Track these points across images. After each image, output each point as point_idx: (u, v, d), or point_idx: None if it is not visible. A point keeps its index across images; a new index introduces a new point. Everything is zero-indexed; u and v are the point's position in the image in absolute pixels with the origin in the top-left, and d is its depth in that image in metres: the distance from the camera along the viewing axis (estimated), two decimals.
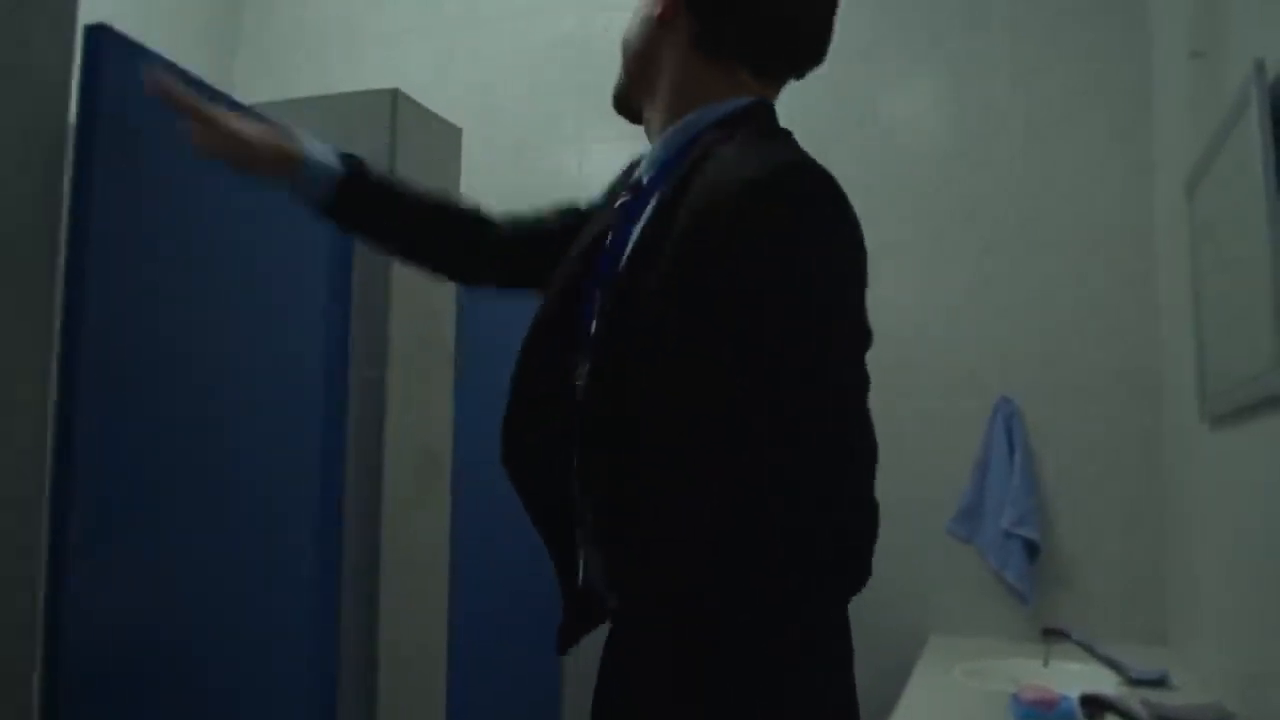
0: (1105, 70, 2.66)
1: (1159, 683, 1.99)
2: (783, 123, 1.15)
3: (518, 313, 2.78)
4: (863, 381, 0.96)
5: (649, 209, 1.05)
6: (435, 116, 2.08)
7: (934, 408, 2.68)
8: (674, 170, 1.05)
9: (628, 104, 1.23)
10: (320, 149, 1.29)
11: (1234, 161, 1.64)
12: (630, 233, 1.07)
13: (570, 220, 1.31)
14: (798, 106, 2.90)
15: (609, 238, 1.12)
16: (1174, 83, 2.31)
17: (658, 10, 1.12)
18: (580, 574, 1.20)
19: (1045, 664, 2.21)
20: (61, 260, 1.27)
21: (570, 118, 3.13)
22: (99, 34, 1.34)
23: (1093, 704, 1.72)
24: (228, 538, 1.61)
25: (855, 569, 0.93)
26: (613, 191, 1.25)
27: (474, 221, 1.37)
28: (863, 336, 0.98)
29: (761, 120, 1.11)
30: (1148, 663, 2.06)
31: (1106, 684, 1.99)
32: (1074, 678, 2.04)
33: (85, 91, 1.32)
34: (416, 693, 1.98)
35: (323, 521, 1.84)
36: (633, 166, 1.22)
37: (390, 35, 3.34)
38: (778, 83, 1.18)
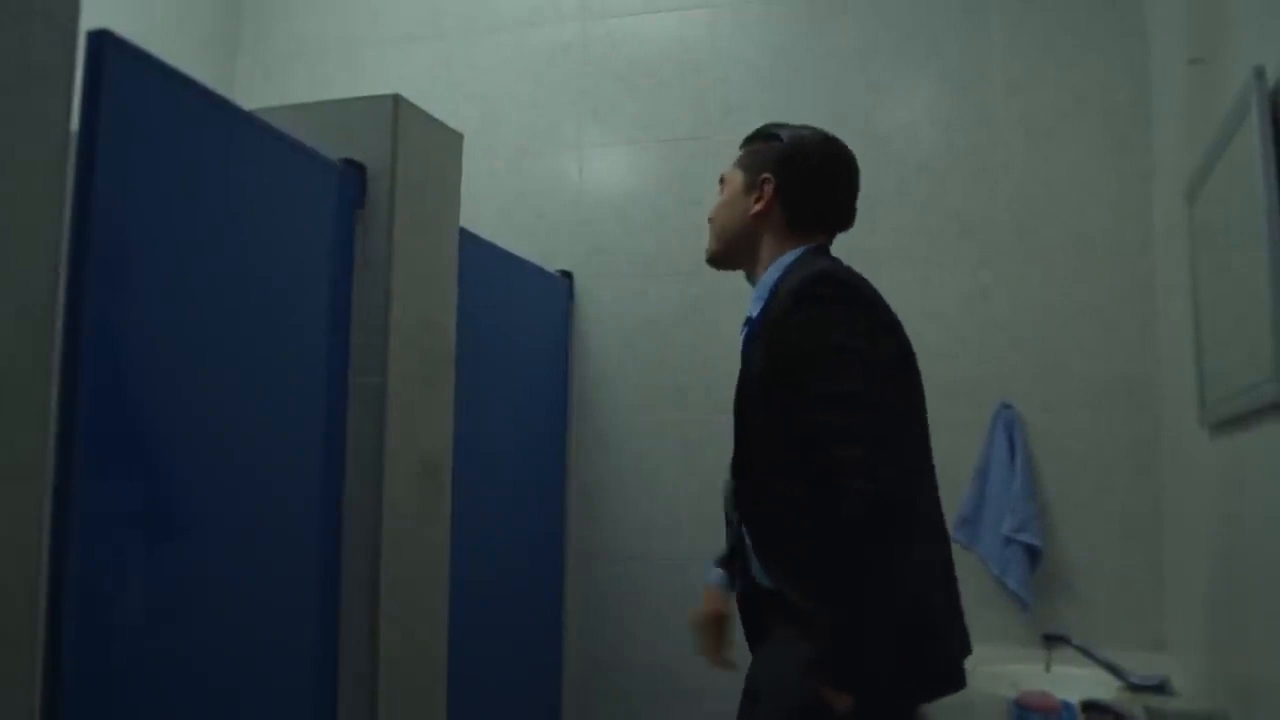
0: (1102, 78, 2.67)
1: (1159, 689, 1.99)
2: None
3: (515, 321, 2.80)
4: (896, 402, 1.47)
5: (751, 331, 1.60)
6: (437, 121, 2.09)
7: (934, 414, 2.66)
8: (768, 303, 1.58)
9: (722, 265, 1.73)
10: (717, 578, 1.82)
11: (1234, 169, 1.64)
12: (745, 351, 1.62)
13: None
14: (796, 114, 2.91)
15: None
16: (1173, 90, 2.32)
17: (758, 207, 1.65)
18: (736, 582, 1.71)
19: (1047, 669, 2.21)
20: (63, 265, 1.27)
21: (570, 125, 3.13)
22: (101, 39, 1.34)
23: (1094, 710, 1.72)
24: (228, 543, 1.61)
25: (886, 520, 1.37)
26: None
27: None
28: (869, 366, 1.43)
29: (814, 254, 1.63)
30: (1148, 669, 2.06)
31: (1107, 690, 1.99)
32: (1075, 683, 2.04)
33: (88, 97, 1.32)
34: (417, 699, 1.98)
35: (323, 527, 1.84)
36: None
37: (390, 43, 3.35)
38: (831, 236, 1.70)
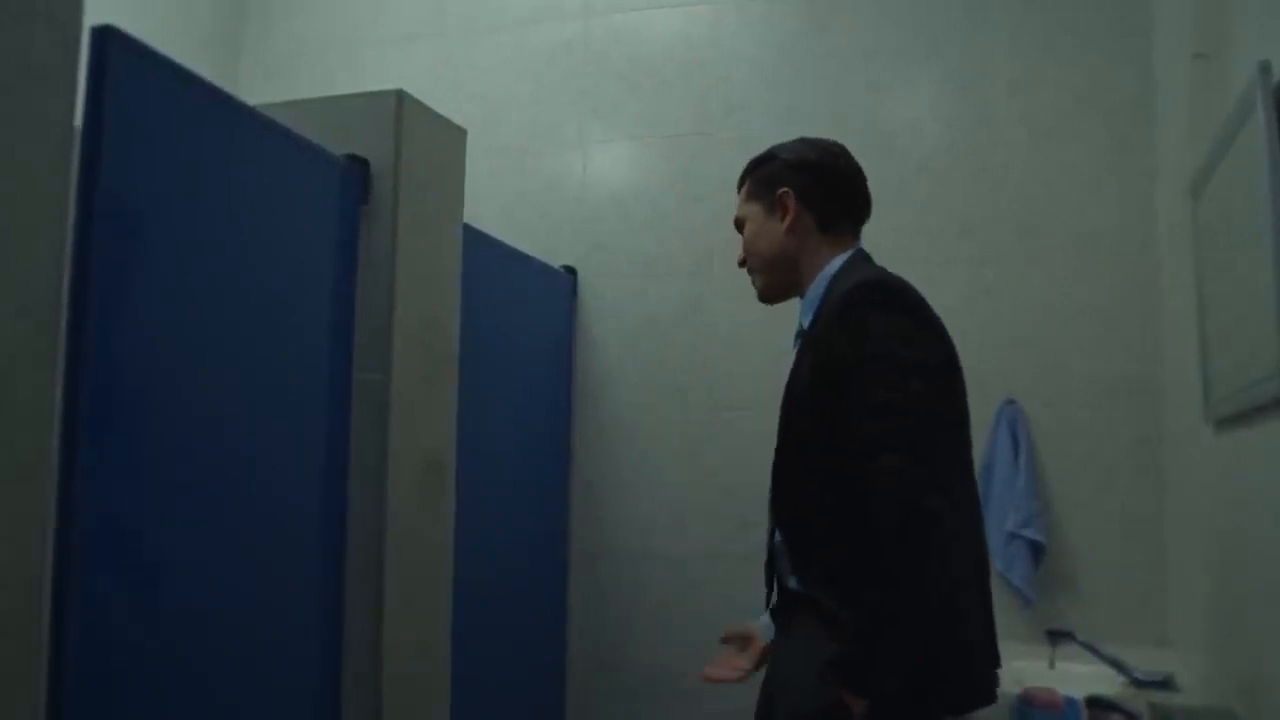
0: (1105, 75, 2.67)
1: (1163, 685, 1.99)
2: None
3: (519, 318, 2.79)
4: (940, 411, 1.46)
5: (803, 339, 1.60)
6: (440, 118, 2.08)
7: None
8: (819, 312, 1.58)
9: (776, 296, 1.72)
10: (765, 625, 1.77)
11: (1238, 164, 1.64)
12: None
13: None
14: (799, 112, 2.91)
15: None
16: (1176, 87, 2.31)
17: (788, 221, 1.65)
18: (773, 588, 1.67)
19: (1051, 666, 2.20)
20: (67, 262, 1.27)
21: (573, 123, 3.13)
22: (105, 36, 1.34)
23: (1098, 706, 1.71)
24: (231, 541, 1.61)
25: (937, 530, 1.38)
26: None
27: None
28: (922, 374, 1.44)
29: (860, 261, 1.65)
30: (1151, 665, 2.06)
31: (1111, 686, 1.99)
32: (1079, 679, 2.04)
33: (91, 93, 1.32)
34: (421, 696, 1.98)
35: (326, 524, 1.84)
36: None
37: (393, 42, 3.35)
38: (858, 232, 1.71)
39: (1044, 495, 2.58)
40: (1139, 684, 2.00)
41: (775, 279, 1.70)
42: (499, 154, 3.11)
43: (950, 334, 1.57)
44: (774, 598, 1.65)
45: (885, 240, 2.77)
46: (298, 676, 1.78)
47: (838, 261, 1.64)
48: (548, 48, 3.19)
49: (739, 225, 1.75)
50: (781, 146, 1.73)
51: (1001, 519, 2.53)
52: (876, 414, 1.41)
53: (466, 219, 2.21)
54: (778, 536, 1.60)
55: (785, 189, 1.66)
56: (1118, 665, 2.07)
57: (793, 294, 1.70)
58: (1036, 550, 2.51)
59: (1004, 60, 2.76)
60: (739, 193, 1.76)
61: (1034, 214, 2.69)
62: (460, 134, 2.17)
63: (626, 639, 2.92)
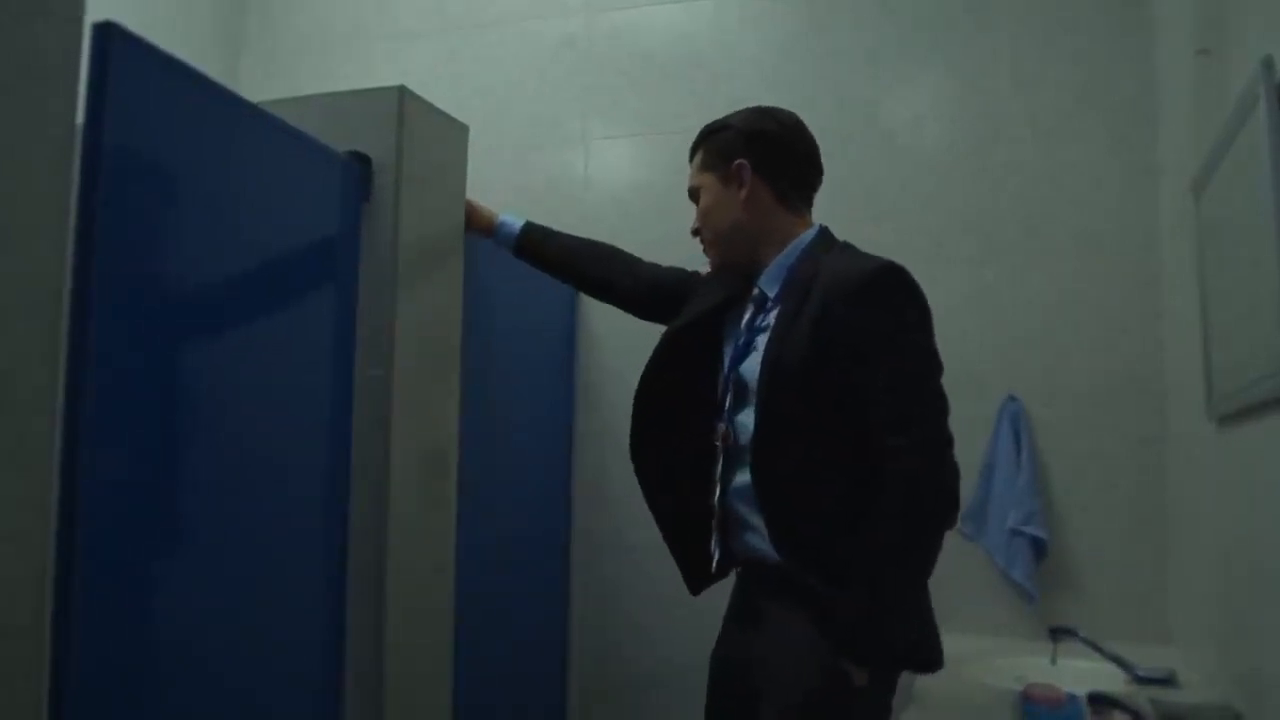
0: (1108, 72, 2.66)
1: (1165, 682, 1.99)
2: None
3: (521, 313, 2.79)
4: (944, 392, 1.51)
5: (781, 309, 1.57)
6: (442, 114, 2.09)
7: None
8: (794, 283, 1.57)
9: (734, 267, 1.70)
10: (510, 218, 2.13)
11: (1241, 161, 1.63)
12: (762, 326, 1.59)
13: (679, 285, 1.90)
14: (803, 110, 2.91)
15: (741, 336, 1.63)
16: (1179, 84, 2.31)
17: (744, 193, 1.63)
18: (715, 551, 1.68)
19: (1053, 662, 2.21)
20: (69, 259, 1.26)
21: (575, 119, 3.13)
22: (106, 32, 1.34)
23: (1100, 702, 1.72)
24: (233, 537, 1.61)
25: (956, 513, 1.49)
26: (709, 290, 1.77)
27: (611, 262, 2.06)
28: (939, 364, 1.53)
29: (833, 239, 1.66)
30: (1153, 661, 2.06)
31: (1113, 683, 1.99)
32: (1081, 676, 2.04)
33: (93, 90, 1.32)
34: (423, 693, 1.98)
35: (328, 521, 1.84)
36: (731, 282, 1.73)
37: (395, 38, 3.34)
38: (810, 203, 1.71)
39: (1046, 492, 2.57)
40: (1141, 681, 2.00)
41: (731, 250, 1.69)
42: (500, 150, 3.11)
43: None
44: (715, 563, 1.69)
45: (886, 239, 2.78)
46: (299, 674, 1.78)
47: (807, 235, 1.64)
48: (550, 44, 3.18)
49: (693, 195, 1.73)
50: (736, 115, 1.70)
51: (1003, 516, 2.52)
52: (918, 393, 1.47)
53: None
54: (743, 508, 1.60)
55: (741, 160, 1.64)
56: (1120, 662, 2.07)
57: (746, 264, 1.67)
58: (1039, 547, 2.51)
59: (1005, 58, 2.75)
60: (691, 162, 1.74)
61: (1035, 212, 2.69)
62: (462, 130, 2.17)
63: (629, 635, 2.92)
